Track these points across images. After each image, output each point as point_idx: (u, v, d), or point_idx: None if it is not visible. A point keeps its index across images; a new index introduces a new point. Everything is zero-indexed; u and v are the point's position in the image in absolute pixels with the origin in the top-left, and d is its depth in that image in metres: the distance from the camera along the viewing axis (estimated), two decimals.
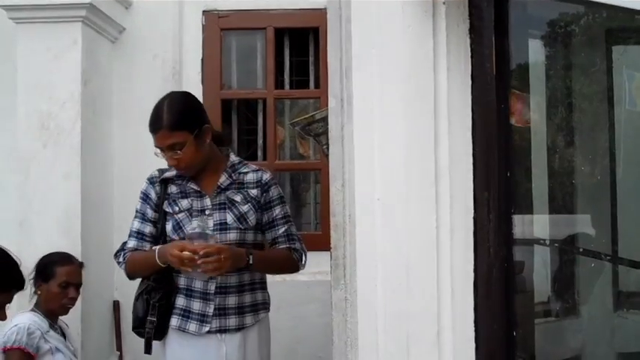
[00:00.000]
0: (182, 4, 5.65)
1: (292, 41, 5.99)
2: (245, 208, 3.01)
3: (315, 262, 5.67)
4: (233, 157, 3.11)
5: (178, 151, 2.90)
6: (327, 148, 3.57)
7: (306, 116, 3.26)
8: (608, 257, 2.13)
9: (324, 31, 5.73)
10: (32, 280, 3.67)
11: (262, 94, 5.85)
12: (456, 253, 1.91)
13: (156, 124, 2.95)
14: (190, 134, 2.86)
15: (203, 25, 5.71)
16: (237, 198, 3.02)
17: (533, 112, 2.03)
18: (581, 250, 2.07)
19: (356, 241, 2.00)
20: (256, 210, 3.03)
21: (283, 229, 3.13)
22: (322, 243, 5.63)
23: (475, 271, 1.91)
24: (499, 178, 1.89)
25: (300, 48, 5.92)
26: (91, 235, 4.84)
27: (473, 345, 1.91)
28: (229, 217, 2.99)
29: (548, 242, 2.08)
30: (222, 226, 2.97)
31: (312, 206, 6.13)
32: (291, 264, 3.17)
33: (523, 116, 2.02)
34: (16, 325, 3.46)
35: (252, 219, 3.02)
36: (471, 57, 1.92)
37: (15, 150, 4.83)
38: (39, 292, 3.68)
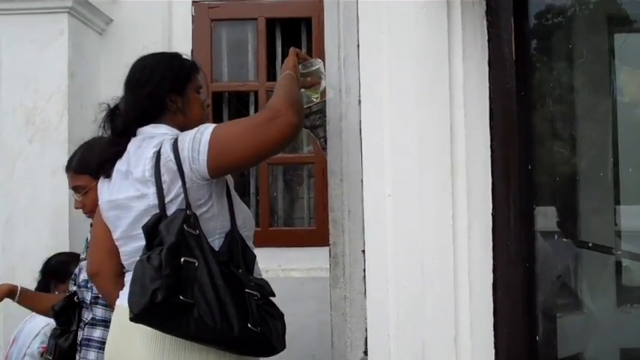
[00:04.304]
0: None
1: (284, 32, 5.86)
2: None
3: (309, 258, 5.57)
4: None
5: (82, 195, 2.96)
6: (325, 141, 3.43)
7: (303, 108, 3.10)
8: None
9: (316, 21, 5.62)
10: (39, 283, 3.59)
11: (254, 87, 5.73)
12: (474, 252, 1.77)
13: (67, 164, 3.06)
14: (94, 181, 2.75)
15: (193, 16, 5.58)
16: None
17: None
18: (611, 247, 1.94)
19: (365, 240, 1.87)
20: None
21: None
22: (316, 238, 5.53)
23: (494, 271, 1.77)
24: (519, 172, 1.76)
25: (293, 39, 5.77)
26: (79, 233, 4.69)
27: (492, 351, 1.78)
28: None
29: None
30: None
31: (305, 201, 6.01)
32: None
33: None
34: (47, 324, 3.39)
35: None
36: (488, 41, 1.78)
37: (0, 146, 4.69)
38: (57, 293, 3.58)
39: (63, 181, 4.54)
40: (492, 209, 1.77)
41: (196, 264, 2.18)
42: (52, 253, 3.94)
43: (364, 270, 3.10)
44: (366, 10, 1.88)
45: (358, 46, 3.09)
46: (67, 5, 4.69)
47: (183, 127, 2.41)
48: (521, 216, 1.76)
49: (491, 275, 1.77)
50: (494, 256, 1.77)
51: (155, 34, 5.38)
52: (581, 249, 1.98)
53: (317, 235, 5.56)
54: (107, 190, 2.45)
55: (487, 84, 1.77)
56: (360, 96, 2.92)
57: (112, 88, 5.24)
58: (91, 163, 2.81)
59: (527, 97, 1.77)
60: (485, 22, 1.78)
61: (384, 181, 1.82)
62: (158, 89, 2.45)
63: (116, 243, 2.47)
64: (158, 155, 2.27)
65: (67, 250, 4.37)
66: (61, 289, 3.62)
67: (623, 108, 1.92)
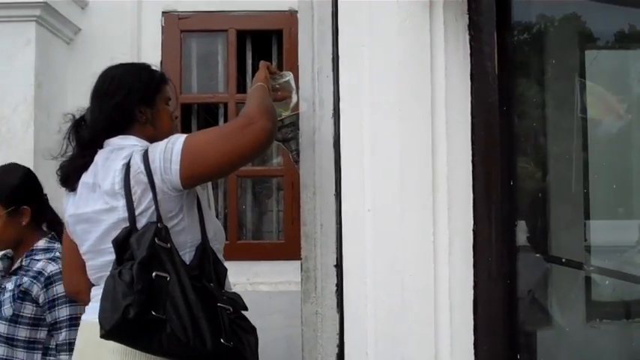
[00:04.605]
0: (140, 5, 5.45)
1: (255, 44, 5.81)
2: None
3: (278, 272, 5.52)
4: (40, 244, 2.91)
5: None
6: (297, 154, 3.39)
7: (276, 115, 3.06)
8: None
9: (287, 33, 5.59)
10: None
11: (224, 99, 5.67)
12: (455, 268, 1.74)
13: None
14: (4, 209, 2.71)
15: (162, 27, 5.52)
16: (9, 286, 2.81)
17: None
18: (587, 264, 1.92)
19: (343, 255, 1.83)
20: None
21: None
22: (285, 252, 5.48)
23: (475, 288, 1.74)
24: (501, 187, 1.74)
25: (263, 51, 5.73)
26: None
27: None
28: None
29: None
30: None
31: (274, 214, 5.95)
32: None
33: None
34: None
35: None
36: (470, 54, 1.76)
37: None
38: None
39: None
40: (473, 225, 1.75)
41: (168, 278, 2.12)
42: None
43: (336, 285, 3.06)
44: (346, 22, 1.85)
45: (333, 59, 3.07)
46: (34, 14, 4.60)
47: (152, 139, 2.35)
48: (502, 232, 1.73)
49: (472, 292, 1.75)
50: (475, 273, 1.74)
51: (124, 44, 5.30)
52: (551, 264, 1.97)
53: (286, 249, 5.51)
54: (72, 204, 2.39)
55: (469, 98, 1.75)
56: (337, 109, 2.91)
57: (79, 99, 5.14)
58: (5, 192, 2.79)
59: (510, 112, 1.75)
60: (467, 36, 1.76)
61: (363, 196, 1.79)
62: (127, 100, 2.40)
63: (83, 257, 2.41)
64: (128, 167, 2.21)
65: None
66: None
67: (593, 124, 1.92)
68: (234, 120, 2.41)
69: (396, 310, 1.74)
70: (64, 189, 2.46)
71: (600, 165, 1.96)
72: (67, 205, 2.41)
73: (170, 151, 2.19)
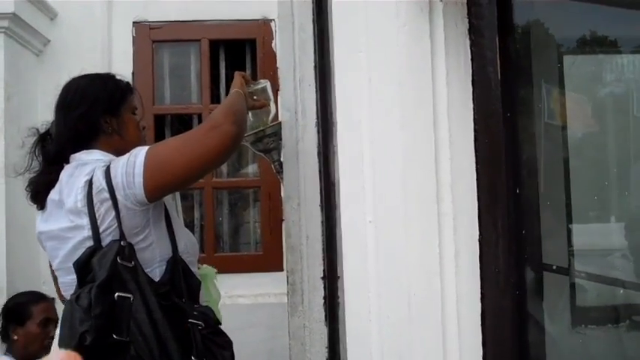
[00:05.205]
0: (111, 15, 5.36)
1: (228, 54, 5.74)
2: None
3: (257, 284, 5.44)
4: None
5: None
6: (279, 165, 3.33)
7: (256, 130, 3.02)
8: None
9: (261, 43, 5.53)
10: None
11: (197, 109, 5.59)
12: (461, 281, 1.68)
13: None
14: None
15: (133, 37, 5.43)
16: None
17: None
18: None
19: (343, 270, 1.76)
20: None
21: None
22: (264, 264, 5.41)
23: (482, 300, 1.69)
24: (507, 196, 1.68)
25: (237, 61, 5.66)
26: (16, 261, 4.51)
27: None
28: None
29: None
30: None
31: (251, 225, 5.88)
32: None
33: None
34: None
35: None
36: (472, 60, 1.70)
37: None
38: (15, 338, 3.37)
39: None
40: (479, 235, 1.69)
41: (132, 299, 2.05)
42: None
43: (324, 297, 3.01)
44: (341, 28, 1.79)
45: (315, 66, 3.03)
46: (2, 25, 4.50)
47: (119, 150, 2.30)
48: (509, 241, 1.68)
49: (480, 304, 1.69)
50: (482, 284, 1.69)
51: (95, 55, 5.21)
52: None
53: (264, 261, 5.45)
54: (42, 220, 2.32)
55: (471, 105, 1.70)
56: (323, 119, 2.85)
57: (50, 111, 5.07)
58: None
59: (514, 119, 1.70)
60: (467, 41, 1.71)
61: (364, 207, 1.73)
62: (91, 110, 2.34)
63: (55, 273, 2.34)
64: (90, 184, 2.14)
65: (3, 278, 4.19)
66: (20, 334, 3.42)
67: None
68: (198, 126, 2.37)
69: (402, 324, 1.68)
70: None
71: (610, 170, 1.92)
72: (38, 222, 2.35)
73: (132, 165, 2.12)
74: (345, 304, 1.75)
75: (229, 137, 2.19)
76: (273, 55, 5.14)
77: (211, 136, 2.17)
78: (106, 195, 2.11)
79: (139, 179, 2.11)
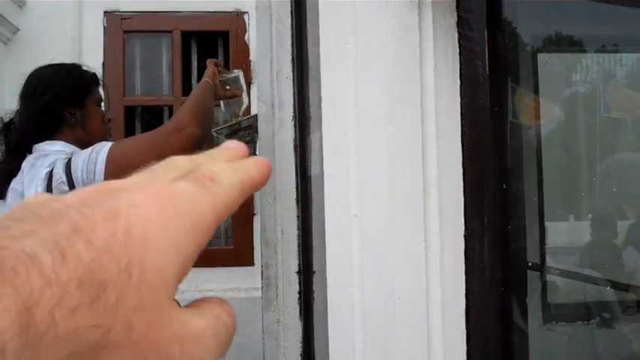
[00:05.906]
0: (81, 4, 5.29)
1: (200, 46, 5.69)
2: None
3: (227, 278, 5.41)
4: None
5: None
6: None
7: (231, 123, 2.97)
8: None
9: (234, 35, 5.48)
10: None
11: (168, 101, 5.54)
12: (446, 277, 1.67)
13: None
14: None
15: (104, 27, 5.36)
16: None
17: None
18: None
19: (327, 264, 1.73)
20: None
21: None
22: (233, 258, 5.38)
23: (467, 297, 1.67)
24: (494, 191, 1.67)
25: (209, 53, 5.61)
26: None
27: None
28: None
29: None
30: None
31: None
32: None
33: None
34: None
35: None
36: (460, 54, 1.69)
37: None
38: None
39: None
40: (464, 231, 1.67)
41: None
42: None
43: (299, 292, 2.97)
44: (327, 20, 1.76)
45: (293, 59, 3.00)
46: None
47: (83, 142, 2.25)
48: (495, 237, 1.67)
49: (464, 300, 1.67)
50: (467, 281, 1.67)
51: (64, 45, 5.14)
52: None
53: (234, 255, 5.41)
54: (2, 212, 2.27)
55: (459, 99, 1.68)
56: (303, 111, 2.82)
57: (16, 101, 5.01)
58: None
59: (503, 113, 1.69)
60: (456, 35, 1.69)
61: (348, 201, 1.70)
62: (55, 101, 2.29)
63: None
64: (50, 176, 2.10)
65: None
66: None
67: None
68: (164, 125, 2.34)
69: (386, 319, 1.65)
70: None
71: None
72: None
73: (94, 162, 2.08)
74: (328, 299, 1.73)
75: (192, 141, 2.18)
76: (245, 48, 5.10)
77: (174, 139, 2.15)
78: (66, 188, 2.07)
79: (99, 177, 2.06)
